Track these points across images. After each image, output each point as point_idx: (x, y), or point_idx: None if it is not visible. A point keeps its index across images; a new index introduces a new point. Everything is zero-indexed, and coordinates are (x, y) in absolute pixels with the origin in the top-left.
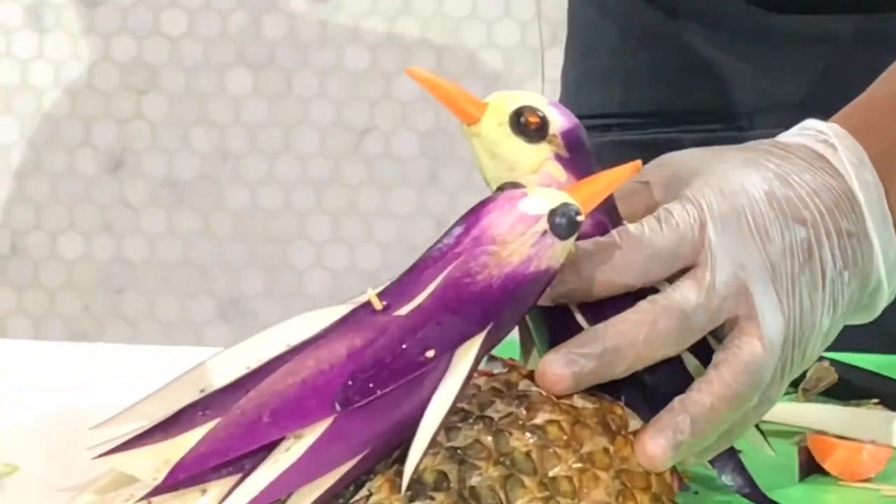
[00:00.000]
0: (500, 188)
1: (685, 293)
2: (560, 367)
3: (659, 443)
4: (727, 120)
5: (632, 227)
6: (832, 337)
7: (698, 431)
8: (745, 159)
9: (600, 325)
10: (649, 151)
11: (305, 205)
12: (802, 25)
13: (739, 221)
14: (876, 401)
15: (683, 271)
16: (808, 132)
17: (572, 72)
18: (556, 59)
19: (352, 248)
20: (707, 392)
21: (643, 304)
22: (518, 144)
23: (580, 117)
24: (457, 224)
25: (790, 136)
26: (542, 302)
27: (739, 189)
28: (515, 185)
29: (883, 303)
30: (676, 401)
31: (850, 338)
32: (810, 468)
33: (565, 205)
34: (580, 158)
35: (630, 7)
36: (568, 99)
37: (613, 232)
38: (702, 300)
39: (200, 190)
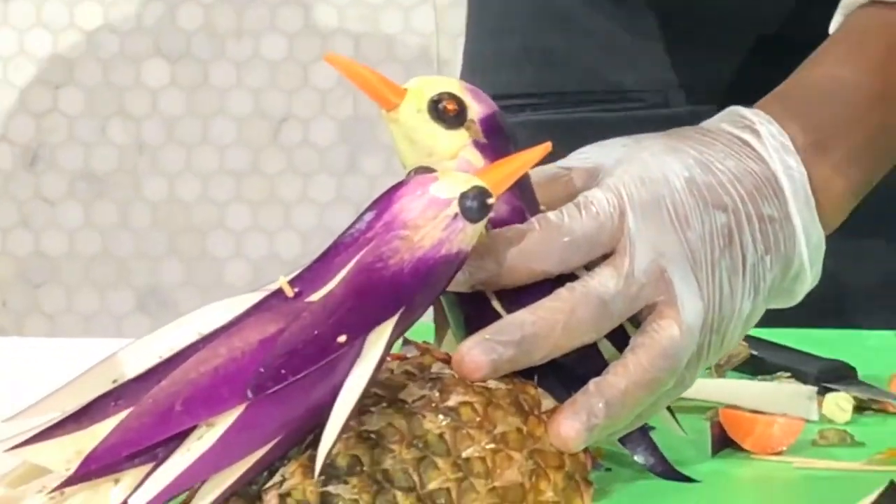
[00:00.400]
0: (412, 173)
1: (604, 280)
2: (478, 354)
3: (573, 425)
4: (642, 99)
5: (551, 214)
6: (754, 321)
7: (612, 415)
8: (668, 146)
9: (519, 313)
10: (564, 131)
11: (224, 195)
12: (715, 4)
13: (659, 209)
14: (788, 375)
15: (603, 259)
16: (733, 118)
17: (480, 52)
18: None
19: (271, 236)
20: (623, 376)
21: (562, 292)
22: (436, 130)
23: (493, 97)
24: (368, 209)
25: (714, 122)
26: (460, 288)
27: (659, 176)
28: (427, 170)
29: (805, 287)
30: (592, 383)
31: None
32: (723, 443)
33: (476, 188)
34: (498, 144)
35: None
36: (475, 79)
37: (532, 219)
38: (620, 287)
39: (118, 182)
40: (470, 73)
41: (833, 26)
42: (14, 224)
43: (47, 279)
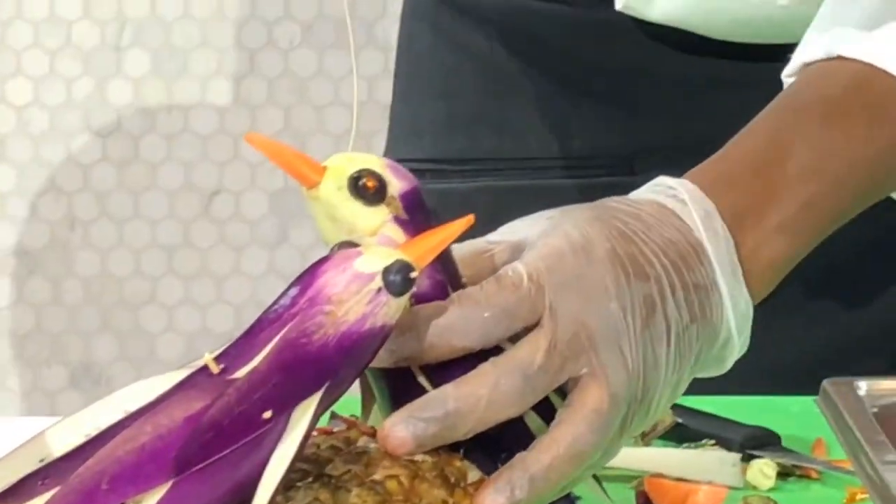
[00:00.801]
0: (335, 248)
1: (526, 354)
2: (402, 430)
3: (497, 500)
4: (607, 166)
5: (470, 289)
6: (681, 390)
7: (537, 489)
8: (591, 217)
9: (442, 389)
10: (528, 197)
11: (156, 269)
12: (677, 69)
13: (581, 280)
14: (712, 442)
15: (527, 331)
16: (659, 188)
17: (424, 115)
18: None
19: (204, 310)
20: (547, 450)
21: (485, 366)
22: (357, 207)
23: (443, 161)
24: (293, 285)
25: (641, 192)
26: (383, 364)
27: (581, 248)
28: (351, 245)
29: (734, 356)
30: (517, 458)
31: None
32: None
33: (399, 262)
34: (419, 220)
35: (494, 54)
36: (422, 142)
37: (453, 295)
38: (542, 361)
39: (50, 258)
40: (413, 137)
41: (784, 74)
42: None
43: None
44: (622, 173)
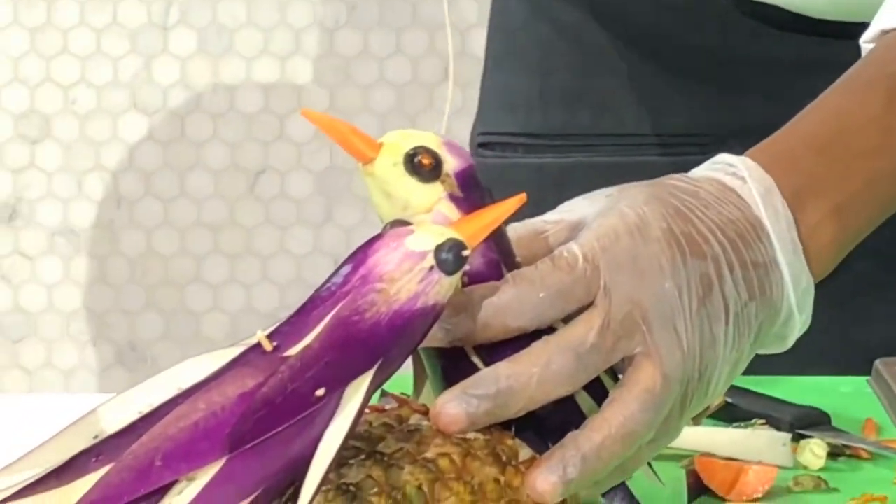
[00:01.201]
0: (388, 226)
1: (579, 333)
2: (454, 407)
3: (549, 479)
4: (698, 144)
5: (526, 269)
6: (741, 368)
7: (588, 469)
8: (649, 196)
9: (494, 367)
10: (618, 175)
11: (202, 248)
12: (770, 48)
13: (636, 260)
14: (762, 422)
15: (580, 311)
16: (719, 165)
17: (519, 88)
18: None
19: (248, 289)
20: (599, 430)
21: (537, 345)
22: (412, 184)
23: (538, 135)
24: (345, 263)
25: (701, 170)
26: (437, 344)
27: (637, 227)
28: (403, 223)
29: (795, 333)
30: (569, 437)
31: None
32: (698, 490)
33: (451, 240)
34: (474, 197)
35: (588, 30)
36: (516, 116)
37: (508, 275)
38: (595, 340)
39: (96, 237)
40: (507, 111)
41: (862, 40)
42: None
43: (26, 334)
44: (716, 152)
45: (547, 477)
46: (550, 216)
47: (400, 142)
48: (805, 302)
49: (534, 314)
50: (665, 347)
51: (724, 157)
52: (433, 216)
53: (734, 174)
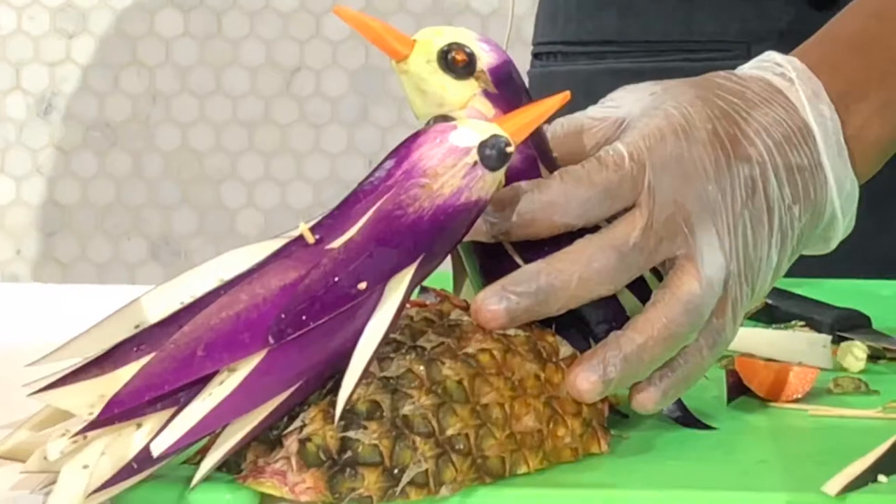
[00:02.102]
0: (431, 121)
1: (622, 232)
2: (494, 303)
3: (589, 378)
4: (725, 49)
5: (573, 167)
6: (784, 269)
7: (629, 369)
8: (695, 96)
9: (535, 264)
10: (646, 80)
11: (237, 145)
12: None
13: (680, 162)
14: (802, 324)
15: (624, 212)
16: (766, 64)
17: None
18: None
19: (283, 186)
20: (641, 331)
21: (580, 243)
22: (446, 81)
23: (573, 43)
24: (388, 157)
25: (749, 68)
26: (480, 238)
27: (682, 129)
28: (446, 119)
29: (839, 236)
30: (611, 337)
31: None
32: (738, 391)
33: (495, 136)
34: (508, 94)
35: None
36: (554, 27)
37: (555, 173)
38: (637, 240)
39: (132, 132)
40: (549, 19)
41: None
42: (28, 173)
43: (61, 228)
44: (741, 58)
45: (587, 376)
46: (594, 112)
47: (433, 39)
48: (849, 205)
49: (580, 211)
50: (707, 250)
51: (771, 56)
52: (467, 112)
53: (782, 75)
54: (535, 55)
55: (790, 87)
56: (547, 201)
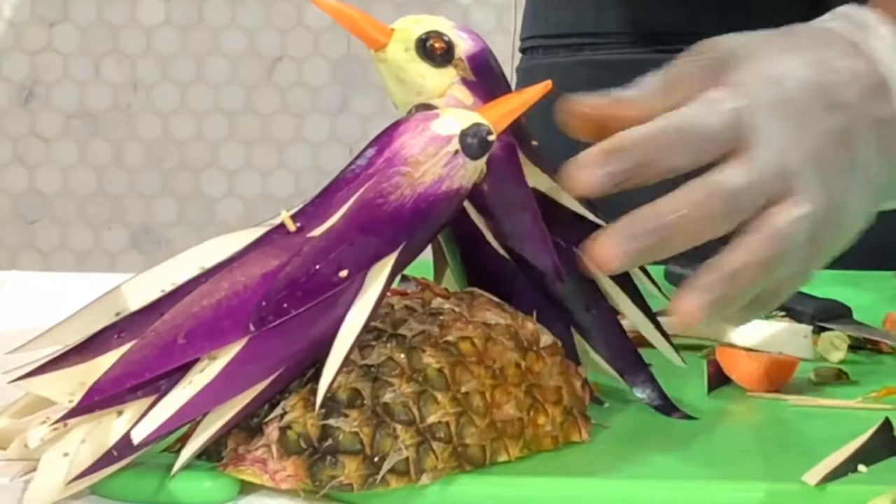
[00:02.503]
0: (413, 110)
1: (731, 175)
2: (612, 246)
3: (692, 300)
4: (699, 41)
5: (683, 110)
6: (863, 221)
7: (726, 293)
8: (789, 44)
9: (651, 205)
10: (621, 71)
11: (218, 134)
12: None
13: (785, 106)
14: (783, 314)
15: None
16: (843, 18)
17: None
18: None
19: (264, 175)
20: (735, 257)
21: (693, 185)
22: (424, 69)
23: (550, 36)
24: (370, 146)
25: (823, 21)
26: (599, 191)
27: (784, 74)
28: (428, 107)
29: None
30: (708, 263)
31: None
32: (719, 380)
33: (476, 125)
34: (487, 82)
35: None
36: (537, 18)
37: (663, 116)
38: (747, 182)
39: (113, 120)
40: (532, 13)
41: None
42: (8, 161)
43: (41, 216)
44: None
45: (691, 299)
46: (699, 49)
47: (411, 27)
48: None
49: (693, 155)
50: (803, 191)
51: (845, 10)
52: (446, 100)
53: (861, 28)
54: (522, 50)
55: (866, 40)
56: (662, 146)
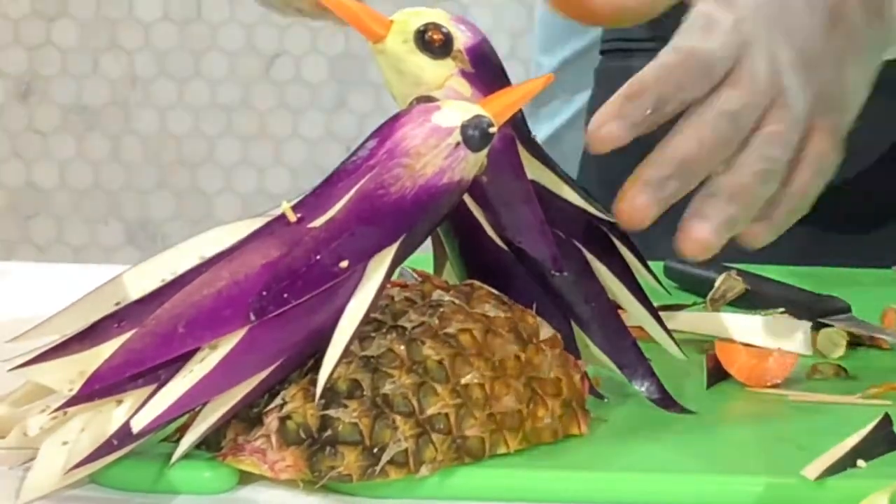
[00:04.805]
0: (414, 102)
1: (730, 97)
2: (643, 198)
3: (703, 226)
4: None
5: (681, 41)
6: (870, 84)
7: (733, 211)
8: None
9: (664, 146)
10: None
11: (215, 129)
12: None
13: (769, 7)
14: (782, 310)
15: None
16: None
17: None
18: None
19: (261, 171)
20: (739, 173)
21: (696, 114)
22: (423, 60)
23: (630, 40)
24: (371, 137)
25: None
26: (621, 140)
27: None
28: (429, 99)
29: None
30: (712, 185)
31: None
32: (718, 375)
33: (478, 117)
34: (485, 73)
35: None
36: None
37: (668, 48)
38: (743, 102)
39: (110, 115)
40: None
41: None
42: (6, 155)
43: (38, 210)
44: None
45: (702, 224)
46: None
47: (410, 19)
48: None
49: (703, 83)
50: (793, 92)
51: None
52: (445, 92)
53: None
54: (601, 52)
55: None
56: (675, 80)
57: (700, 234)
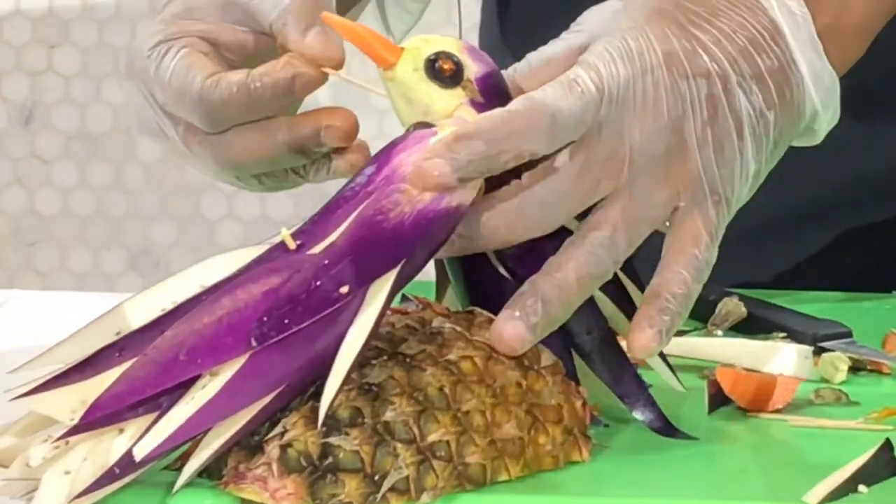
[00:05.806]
0: (411, 128)
1: (565, 166)
2: (512, 329)
3: (515, 326)
4: None
5: (534, 93)
6: (766, 171)
7: (550, 311)
8: (653, 10)
9: (532, 281)
10: None
11: None
12: None
13: (631, 91)
14: (783, 335)
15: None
16: None
17: None
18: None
19: (263, 198)
20: (553, 275)
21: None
22: (432, 89)
23: None
24: (369, 164)
25: None
26: (449, 173)
27: (637, 52)
28: (426, 125)
29: (825, 127)
30: (528, 283)
31: (760, 273)
32: (719, 401)
33: None
34: (495, 103)
35: None
36: None
37: (516, 100)
38: (575, 175)
39: (112, 142)
40: None
41: None
42: (8, 182)
43: (41, 237)
44: None
45: (513, 324)
46: (559, 40)
47: (421, 47)
48: (830, 98)
49: (547, 137)
50: (641, 188)
51: None
52: (454, 121)
53: None
54: None
55: None
56: (514, 129)
57: (509, 335)
